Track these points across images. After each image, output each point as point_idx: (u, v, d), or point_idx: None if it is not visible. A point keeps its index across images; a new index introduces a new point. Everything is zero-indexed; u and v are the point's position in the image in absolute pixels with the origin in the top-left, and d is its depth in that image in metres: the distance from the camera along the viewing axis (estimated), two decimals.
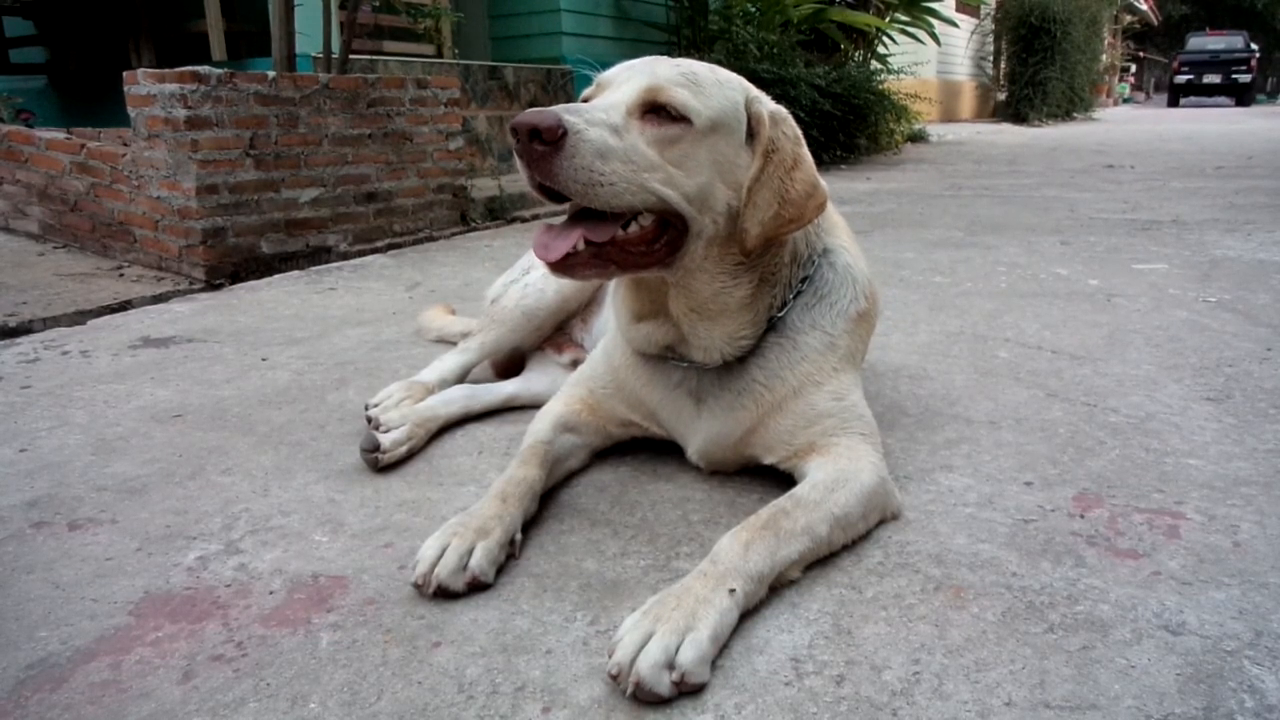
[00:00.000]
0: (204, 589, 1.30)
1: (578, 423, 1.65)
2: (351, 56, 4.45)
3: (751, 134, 1.41)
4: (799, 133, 1.46)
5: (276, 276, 3.62)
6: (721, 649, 1.10)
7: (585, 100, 1.39)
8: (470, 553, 1.27)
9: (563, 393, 1.71)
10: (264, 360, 2.45)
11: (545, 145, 1.21)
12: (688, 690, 1.03)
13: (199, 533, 1.47)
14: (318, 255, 3.87)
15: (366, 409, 1.86)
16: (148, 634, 1.19)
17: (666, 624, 1.07)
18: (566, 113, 1.23)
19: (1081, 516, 1.43)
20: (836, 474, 1.37)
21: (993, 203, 5.34)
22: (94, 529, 1.50)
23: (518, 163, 1.26)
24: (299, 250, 3.80)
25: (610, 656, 1.06)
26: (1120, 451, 1.68)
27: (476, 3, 7.75)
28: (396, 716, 1.02)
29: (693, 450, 1.57)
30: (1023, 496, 1.51)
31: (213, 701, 1.05)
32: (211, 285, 3.44)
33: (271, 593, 1.29)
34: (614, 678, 1.04)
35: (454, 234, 4.51)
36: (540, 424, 1.62)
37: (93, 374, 2.37)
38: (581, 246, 1.28)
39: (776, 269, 1.49)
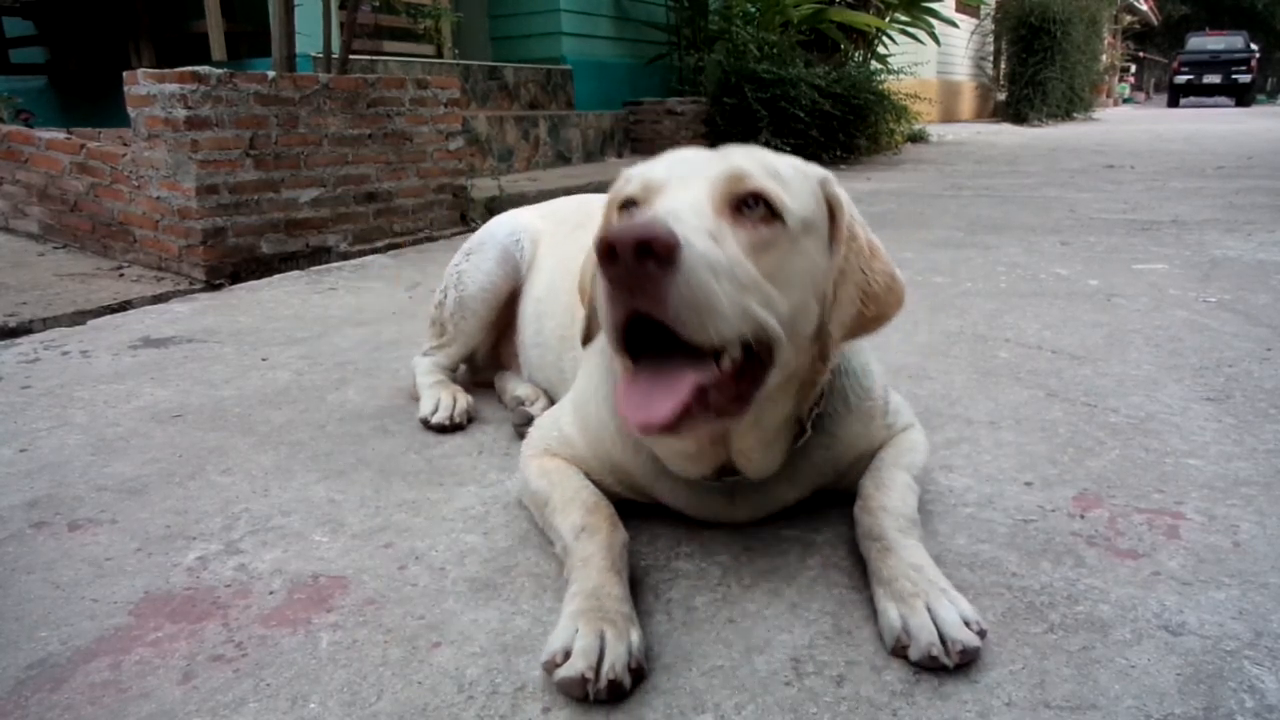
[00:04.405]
0: (204, 589, 1.30)
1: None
2: (351, 57, 4.45)
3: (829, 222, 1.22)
4: None
5: (276, 276, 3.62)
6: (726, 648, 1.11)
7: (625, 206, 1.19)
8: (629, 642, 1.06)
9: (544, 448, 1.48)
10: (264, 360, 2.45)
11: (659, 265, 0.95)
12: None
13: (199, 533, 1.47)
14: (318, 255, 3.87)
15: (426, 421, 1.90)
16: (148, 634, 1.19)
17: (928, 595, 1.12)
18: (671, 219, 0.98)
19: (1081, 517, 1.43)
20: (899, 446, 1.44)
21: (993, 203, 5.34)
22: (94, 529, 1.50)
23: (606, 294, 1.00)
24: (299, 250, 3.80)
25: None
26: (1120, 451, 1.68)
27: (476, 3, 7.75)
28: (396, 716, 1.02)
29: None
30: (1023, 496, 1.51)
31: (213, 701, 1.05)
32: (211, 285, 3.44)
33: (271, 593, 1.29)
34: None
35: (454, 234, 4.51)
36: (565, 478, 1.38)
37: (93, 374, 2.37)
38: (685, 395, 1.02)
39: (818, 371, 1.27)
